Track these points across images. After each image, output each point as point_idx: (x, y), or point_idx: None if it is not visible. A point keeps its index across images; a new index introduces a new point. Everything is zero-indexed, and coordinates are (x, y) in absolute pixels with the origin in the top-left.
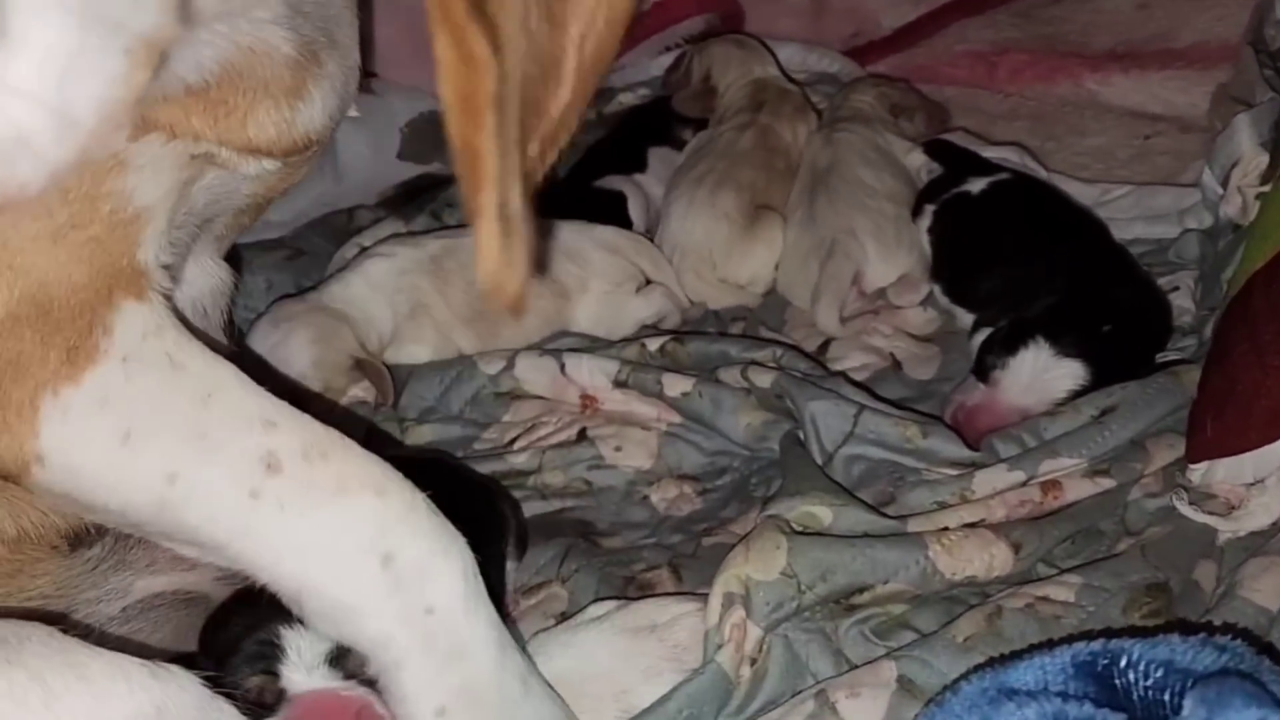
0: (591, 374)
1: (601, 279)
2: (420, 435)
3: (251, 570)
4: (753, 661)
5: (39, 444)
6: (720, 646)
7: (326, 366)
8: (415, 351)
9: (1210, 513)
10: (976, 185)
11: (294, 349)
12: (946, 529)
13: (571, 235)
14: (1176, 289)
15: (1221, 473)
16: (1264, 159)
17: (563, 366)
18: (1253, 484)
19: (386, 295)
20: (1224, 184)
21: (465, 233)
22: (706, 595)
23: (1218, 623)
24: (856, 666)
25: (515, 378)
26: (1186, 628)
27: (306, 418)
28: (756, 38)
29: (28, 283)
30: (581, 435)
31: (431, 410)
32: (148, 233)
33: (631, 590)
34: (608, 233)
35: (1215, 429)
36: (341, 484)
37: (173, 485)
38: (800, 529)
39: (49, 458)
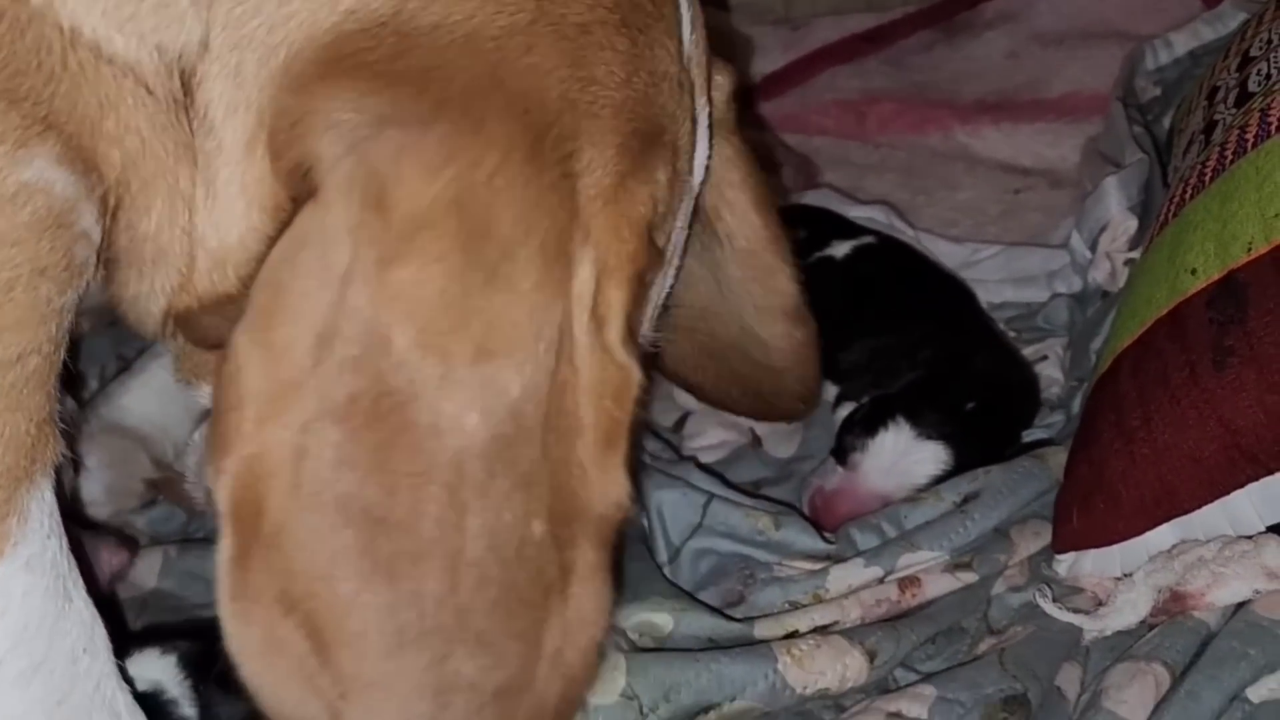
0: None
1: None
2: None
3: None
4: None
5: None
6: None
7: (118, 493)
8: None
9: (1075, 610)
10: (840, 249)
11: (84, 475)
12: (797, 633)
13: None
14: (1045, 358)
15: (1089, 565)
16: (1133, 224)
17: None
18: (1120, 578)
19: (181, 397)
20: (1092, 248)
21: None
22: None
23: None
24: None
25: None
26: None
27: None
28: None
29: None
30: None
31: None
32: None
33: None
34: None
35: (1082, 519)
36: None
37: None
38: (639, 638)
39: None
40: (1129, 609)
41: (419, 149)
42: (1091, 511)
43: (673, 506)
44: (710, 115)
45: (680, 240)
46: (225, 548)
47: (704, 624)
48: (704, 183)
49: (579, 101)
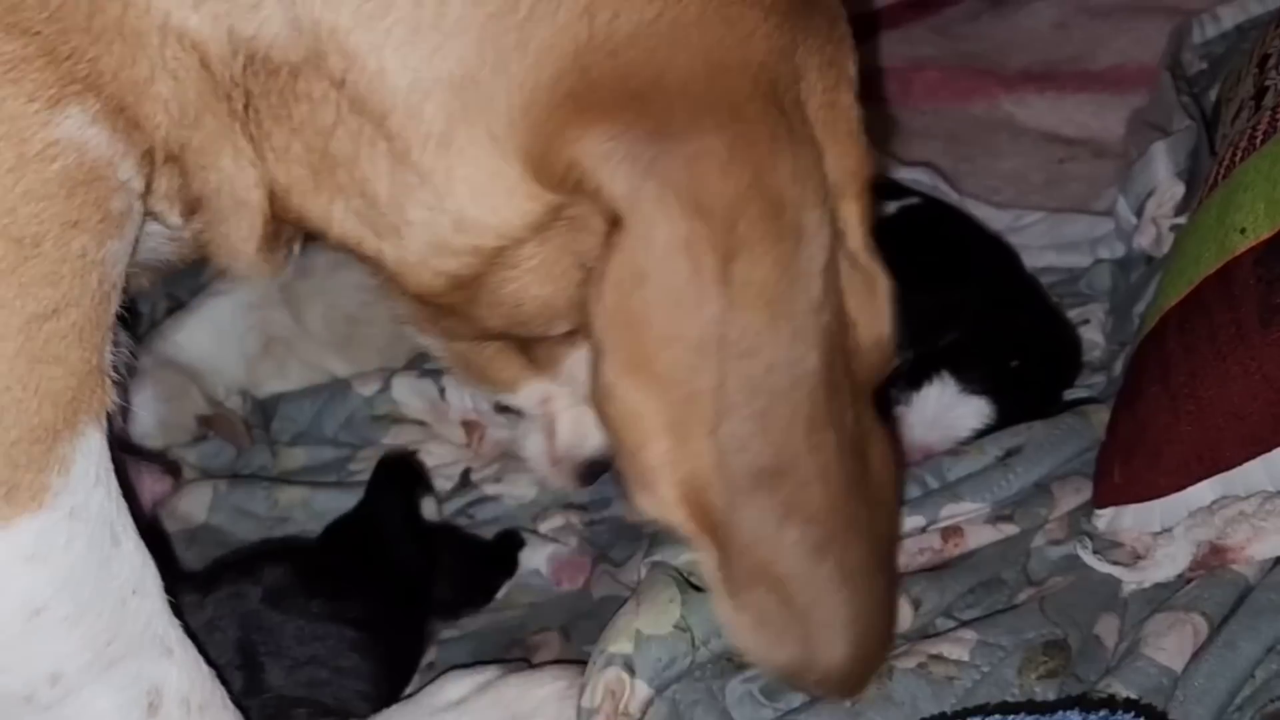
0: (473, 398)
1: None
2: (293, 459)
3: None
4: None
5: None
6: (588, 716)
7: (171, 428)
8: (280, 386)
9: (1115, 562)
10: (886, 209)
11: (138, 408)
12: None
13: None
14: (1087, 322)
15: (1129, 520)
16: (1180, 189)
17: (442, 391)
18: (1160, 533)
19: (234, 338)
20: (1138, 213)
21: (314, 250)
22: (585, 663)
23: (1119, 684)
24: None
25: (393, 399)
26: (1086, 703)
27: (194, 653)
28: None
29: None
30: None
31: (304, 434)
32: (113, 317)
33: (516, 652)
34: None
35: (1123, 474)
36: None
37: (52, 687)
38: (689, 577)
39: None
40: (1168, 562)
41: (706, 153)
42: (1133, 467)
43: None
44: None
45: None
46: (707, 560)
47: None
48: None
49: (778, 44)
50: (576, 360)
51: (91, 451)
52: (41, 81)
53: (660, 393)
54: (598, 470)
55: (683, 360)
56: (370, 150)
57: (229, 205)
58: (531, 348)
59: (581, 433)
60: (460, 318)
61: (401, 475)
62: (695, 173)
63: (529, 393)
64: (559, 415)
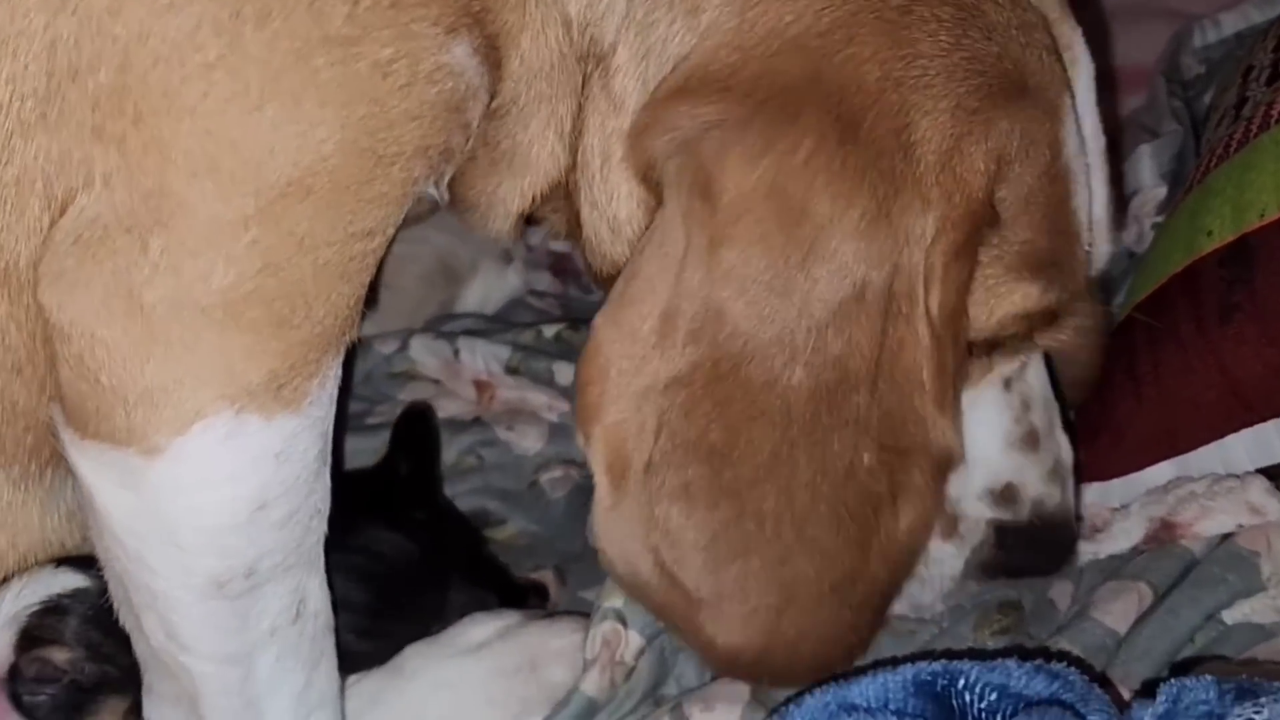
0: (485, 360)
1: (488, 256)
2: None
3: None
4: (630, 671)
5: (175, 444)
6: (588, 666)
7: None
8: None
9: None
10: None
11: None
12: None
13: None
14: None
15: (1090, 496)
16: (1162, 190)
17: (456, 352)
18: (1118, 508)
19: None
20: None
21: None
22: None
23: (1066, 641)
24: (716, 676)
25: (410, 358)
26: (1024, 653)
27: (324, 577)
28: None
29: (278, 282)
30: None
31: None
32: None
33: None
34: None
35: (1088, 454)
36: (318, 659)
37: (245, 579)
38: None
39: (164, 464)
40: (1123, 535)
41: (740, 142)
42: (1098, 447)
43: None
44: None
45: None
46: (601, 499)
47: None
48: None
49: (904, 78)
50: None
51: (337, 373)
52: (446, 8)
53: (621, 341)
54: None
55: (650, 318)
56: (606, 147)
57: (519, 164)
58: None
59: None
60: None
61: (421, 428)
62: (721, 157)
63: None
64: None
